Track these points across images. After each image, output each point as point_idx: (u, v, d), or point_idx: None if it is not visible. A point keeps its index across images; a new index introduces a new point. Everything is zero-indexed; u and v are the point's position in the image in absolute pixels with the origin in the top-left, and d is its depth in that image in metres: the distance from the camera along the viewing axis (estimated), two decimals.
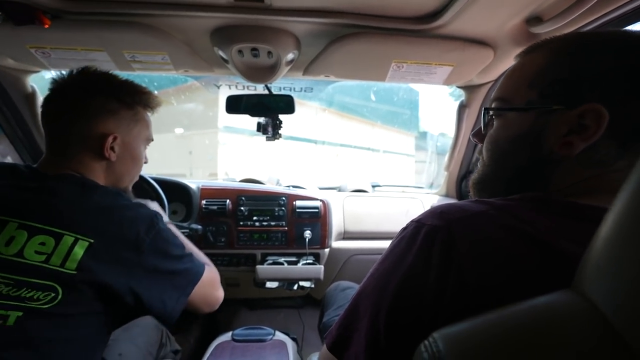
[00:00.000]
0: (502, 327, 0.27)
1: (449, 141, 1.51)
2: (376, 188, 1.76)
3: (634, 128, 0.41)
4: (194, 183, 1.39)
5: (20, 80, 1.17)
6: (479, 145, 0.56)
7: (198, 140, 6.80)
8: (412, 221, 0.43)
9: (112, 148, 0.73)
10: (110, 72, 0.77)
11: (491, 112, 0.52)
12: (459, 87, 1.29)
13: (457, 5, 0.77)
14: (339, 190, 1.71)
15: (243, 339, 0.96)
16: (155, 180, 1.18)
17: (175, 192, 1.36)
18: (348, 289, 1.10)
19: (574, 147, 0.42)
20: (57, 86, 0.71)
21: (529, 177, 0.48)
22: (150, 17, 0.85)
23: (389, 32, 0.91)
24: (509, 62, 1.01)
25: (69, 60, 0.96)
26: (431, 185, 1.85)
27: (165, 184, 1.23)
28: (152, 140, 0.85)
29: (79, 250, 0.58)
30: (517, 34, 0.87)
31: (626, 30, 0.44)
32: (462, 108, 1.35)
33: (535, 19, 0.81)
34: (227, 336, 0.99)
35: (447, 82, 1.11)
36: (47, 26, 0.81)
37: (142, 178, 1.17)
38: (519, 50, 0.54)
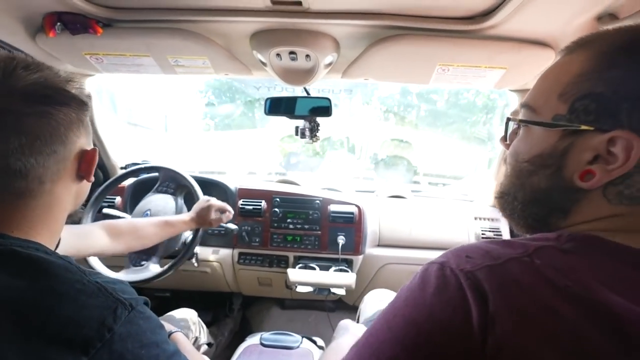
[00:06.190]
0: None
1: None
2: (416, 194, 1.68)
3: None
4: (232, 183, 1.42)
5: None
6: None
7: None
8: (432, 262, 0.38)
9: None
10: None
11: (513, 122, 0.46)
12: (512, 90, 1.18)
13: (514, 3, 0.69)
14: (377, 195, 1.65)
15: (271, 344, 0.97)
16: (195, 178, 1.22)
17: (214, 190, 1.39)
18: (386, 299, 1.06)
19: (596, 178, 0.36)
20: None
21: (545, 204, 0.42)
22: (191, 23, 0.87)
23: (434, 34, 0.85)
24: None
25: (119, 66, 1.02)
26: (476, 194, 1.73)
27: (204, 182, 1.27)
28: None
29: None
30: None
31: None
32: (514, 113, 1.22)
33: (609, 16, 0.70)
34: (255, 339, 1.00)
35: (499, 85, 1.01)
36: (99, 34, 0.86)
37: (180, 175, 1.21)
38: None
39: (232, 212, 1.16)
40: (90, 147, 0.54)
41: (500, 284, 0.33)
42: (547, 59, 0.86)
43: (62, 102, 0.47)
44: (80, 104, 0.50)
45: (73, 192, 0.54)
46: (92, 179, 0.55)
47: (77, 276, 0.44)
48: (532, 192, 0.42)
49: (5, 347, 0.38)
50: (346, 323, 0.78)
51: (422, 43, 0.86)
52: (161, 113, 2.22)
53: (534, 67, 0.90)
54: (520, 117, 0.45)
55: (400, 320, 0.36)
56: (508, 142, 0.48)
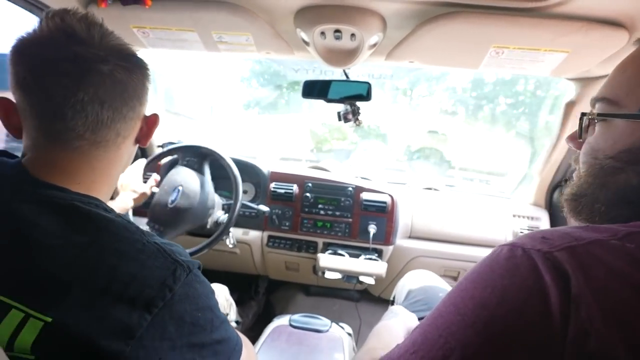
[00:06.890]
0: None
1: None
2: (450, 188, 1.62)
3: None
4: (264, 166, 1.42)
5: None
6: (577, 152, 0.46)
7: None
8: (503, 245, 0.35)
9: None
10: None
11: (590, 117, 0.42)
12: (569, 79, 1.10)
13: None
14: (409, 187, 1.61)
15: (300, 327, 0.96)
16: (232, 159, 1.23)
17: (247, 172, 1.40)
18: (428, 278, 0.98)
19: None
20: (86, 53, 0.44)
21: (638, 204, 0.37)
22: None
23: (491, 12, 0.79)
24: None
25: (165, 41, 1.03)
26: (514, 191, 1.65)
27: (237, 164, 1.27)
28: None
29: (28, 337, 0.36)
30: None
31: None
32: (569, 105, 1.14)
33: None
34: (284, 320, 1.00)
35: (556, 72, 0.94)
36: (148, 6, 0.86)
37: (219, 156, 1.22)
38: None
39: (157, 177, 1.15)
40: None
41: (585, 265, 0.29)
42: (618, 42, 0.78)
43: (141, 65, 0.51)
44: (148, 73, 0.54)
45: (129, 154, 0.56)
46: (146, 144, 0.58)
47: (136, 236, 0.44)
48: (619, 191, 0.39)
49: (70, 306, 0.37)
50: (396, 308, 0.76)
51: (477, 22, 0.81)
52: (206, 103, 2.26)
53: (601, 51, 0.82)
54: (596, 111, 0.42)
55: (469, 302, 0.33)
56: (581, 138, 0.45)
